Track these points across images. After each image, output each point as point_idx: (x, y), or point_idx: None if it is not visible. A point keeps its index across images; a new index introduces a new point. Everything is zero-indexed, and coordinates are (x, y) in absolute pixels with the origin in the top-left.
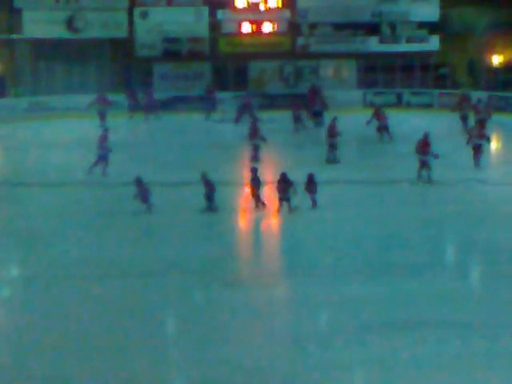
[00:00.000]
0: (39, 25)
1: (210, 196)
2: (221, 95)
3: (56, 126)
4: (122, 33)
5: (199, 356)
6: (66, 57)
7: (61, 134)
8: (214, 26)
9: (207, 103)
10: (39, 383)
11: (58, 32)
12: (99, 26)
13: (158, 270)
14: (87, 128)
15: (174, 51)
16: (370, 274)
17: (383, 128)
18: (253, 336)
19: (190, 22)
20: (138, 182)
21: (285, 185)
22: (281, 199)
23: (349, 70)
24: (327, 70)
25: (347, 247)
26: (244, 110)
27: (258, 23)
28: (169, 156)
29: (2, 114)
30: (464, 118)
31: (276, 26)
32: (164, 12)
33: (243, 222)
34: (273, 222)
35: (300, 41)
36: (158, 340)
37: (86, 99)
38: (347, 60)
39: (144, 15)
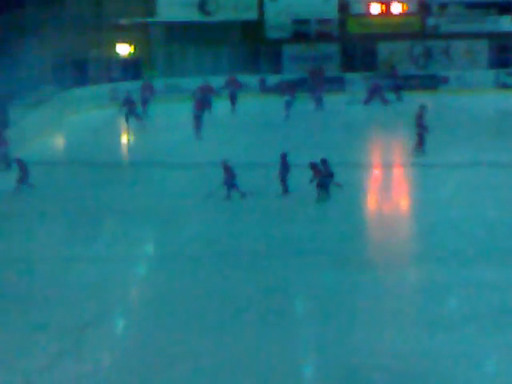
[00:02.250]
0: (173, 8)
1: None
2: (349, 76)
3: (189, 108)
4: (252, 15)
5: (329, 337)
6: (198, 39)
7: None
8: (343, 6)
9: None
10: (169, 359)
11: (191, 15)
12: (230, 8)
13: (289, 250)
14: (220, 110)
15: (302, 33)
16: (501, 259)
17: None
18: (383, 320)
19: (318, 3)
20: (226, 167)
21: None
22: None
23: (480, 50)
24: (458, 50)
25: (477, 231)
26: (374, 91)
27: (387, 3)
28: (298, 137)
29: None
30: None
31: (406, 6)
32: None
33: (373, 204)
34: (403, 203)
35: (430, 21)
36: (288, 320)
37: (217, 81)
38: (478, 40)
39: None
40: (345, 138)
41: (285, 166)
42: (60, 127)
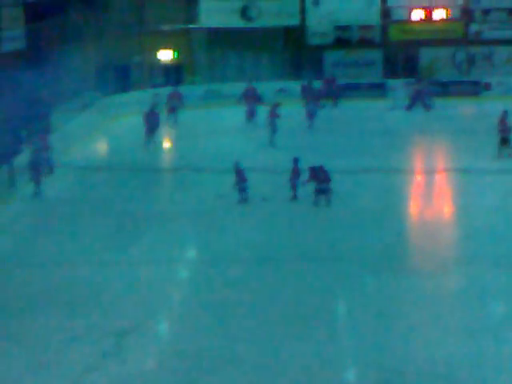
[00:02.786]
0: (215, 14)
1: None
2: (392, 82)
3: (230, 113)
4: (294, 21)
5: (369, 343)
6: (239, 45)
7: (235, 120)
8: (385, 13)
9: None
10: (211, 364)
11: (233, 21)
12: (272, 14)
13: (330, 255)
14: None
15: (344, 39)
16: None
17: None
18: (424, 326)
19: (361, 9)
20: (237, 170)
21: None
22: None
23: None
24: (500, 56)
25: None
26: (417, 97)
27: (429, 10)
28: (342, 143)
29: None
30: None
31: (448, 12)
32: (336, 0)
33: (414, 209)
34: (445, 210)
35: (473, 27)
36: (328, 325)
37: (259, 88)
38: None
39: (316, 3)
40: (386, 144)
41: (296, 172)
42: (102, 132)
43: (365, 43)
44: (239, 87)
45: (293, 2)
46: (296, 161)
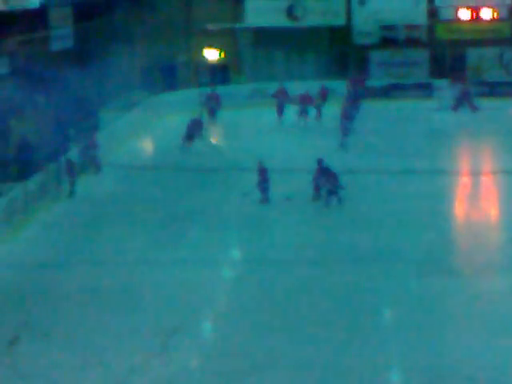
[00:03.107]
0: (261, 14)
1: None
2: (438, 82)
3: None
4: (339, 20)
5: (416, 344)
6: (285, 45)
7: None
8: (432, 12)
9: None
10: (255, 364)
11: (279, 20)
12: (318, 14)
13: (375, 257)
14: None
15: (390, 38)
16: None
17: None
18: (471, 329)
19: (407, 8)
20: (261, 169)
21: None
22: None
23: None
24: None
25: None
26: (463, 98)
27: (476, 9)
28: (386, 144)
29: (227, 101)
30: None
31: (496, 12)
32: None
33: (460, 211)
34: (492, 212)
35: None
36: (375, 327)
37: (304, 86)
38: None
39: (362, 2)
40: (432, 145)
41: (321, 172)
42: (148, 131)
43: (411, 43)
44: (286, 86)
45: (339, 2)
46: (320, 161)
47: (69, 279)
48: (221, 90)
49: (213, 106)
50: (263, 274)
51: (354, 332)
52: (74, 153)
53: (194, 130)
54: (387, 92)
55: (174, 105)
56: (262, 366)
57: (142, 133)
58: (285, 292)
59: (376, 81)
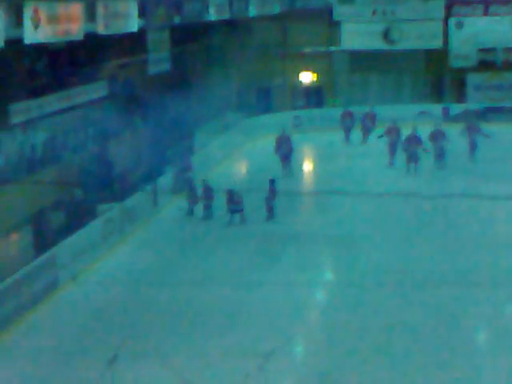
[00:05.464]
0: (356, 37)
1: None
2: None
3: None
4: (436, 43)
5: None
6: (380, 68)
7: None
8: None
9: None
10: None
11: (374, 44)
12: (414, 36)
13: (470, 280)
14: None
15: (488, 61)
16: None
17: None
18: None
19: (506, 31)
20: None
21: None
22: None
23: None
24: None
25: None
26: None
27: None
28: (485, 168)
29: (321, 124)
30: None
31: None
32: (479, 22)
33: None
34: None
35: None
36: (467, 353)
37: (400, 110)
38: None
39: (459, 25)
40: None
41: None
42: (243, 154)
43: (509, 66)
44: (381, 109)
45: (436, 24)
46: (272, 182)
47: (165, 299)
48: (315, 112)
49: (368, 124)
50: (358, 297)
51: (449, 360)
52: (169, 175)
53: (286, 148)
54: (484, 115)
55: (268, 127)
56: None
57: (237, 155)
58: (377, 314)
59: (473, 104)
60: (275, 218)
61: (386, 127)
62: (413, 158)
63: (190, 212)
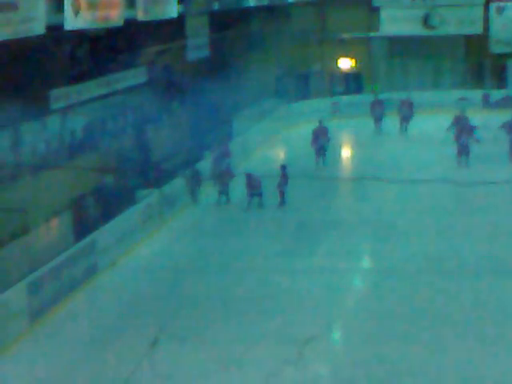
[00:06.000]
0: (395, 22)
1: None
2: None
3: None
4: (477, 29)
5: None
6: (420, 54)
7: (421, 129)
8: None
9: None
10: (391, 374)
11: (414, 29)
12: (454, 22)
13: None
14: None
15: None
16: None
17: None
18: None
19: None
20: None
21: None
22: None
23: None
24: None
25: None
26: None
27: None
28: None
29: (359, 110)
30: None
31: None
32: None
33: None
34: None
35: None
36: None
37: (439, 96)
38: None
39: (500, 10)
40: None
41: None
42: (281, 140)
43: None
44: (420, 96)
45: (476, 10)
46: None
47: (203, 285)
48: (353, 98)
49: (405, 112)
50: (396, 283)
51: (485, 348)
52: (207, 161)
53: (323, 140)
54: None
55: (306, 114)
56: (398, 374)
57: (275, 141)
58: (414, 302)
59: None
60: (287, 204)
61: (453, 117)
62: (464, 150)
63: (224, 198)
